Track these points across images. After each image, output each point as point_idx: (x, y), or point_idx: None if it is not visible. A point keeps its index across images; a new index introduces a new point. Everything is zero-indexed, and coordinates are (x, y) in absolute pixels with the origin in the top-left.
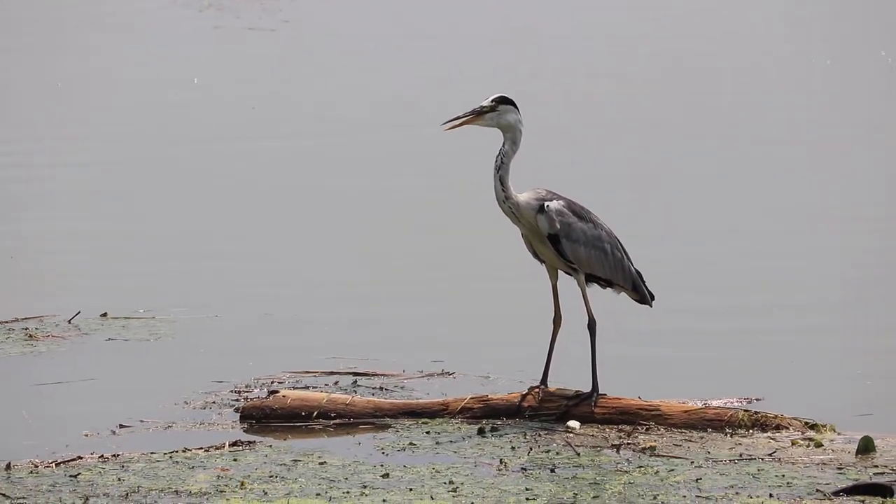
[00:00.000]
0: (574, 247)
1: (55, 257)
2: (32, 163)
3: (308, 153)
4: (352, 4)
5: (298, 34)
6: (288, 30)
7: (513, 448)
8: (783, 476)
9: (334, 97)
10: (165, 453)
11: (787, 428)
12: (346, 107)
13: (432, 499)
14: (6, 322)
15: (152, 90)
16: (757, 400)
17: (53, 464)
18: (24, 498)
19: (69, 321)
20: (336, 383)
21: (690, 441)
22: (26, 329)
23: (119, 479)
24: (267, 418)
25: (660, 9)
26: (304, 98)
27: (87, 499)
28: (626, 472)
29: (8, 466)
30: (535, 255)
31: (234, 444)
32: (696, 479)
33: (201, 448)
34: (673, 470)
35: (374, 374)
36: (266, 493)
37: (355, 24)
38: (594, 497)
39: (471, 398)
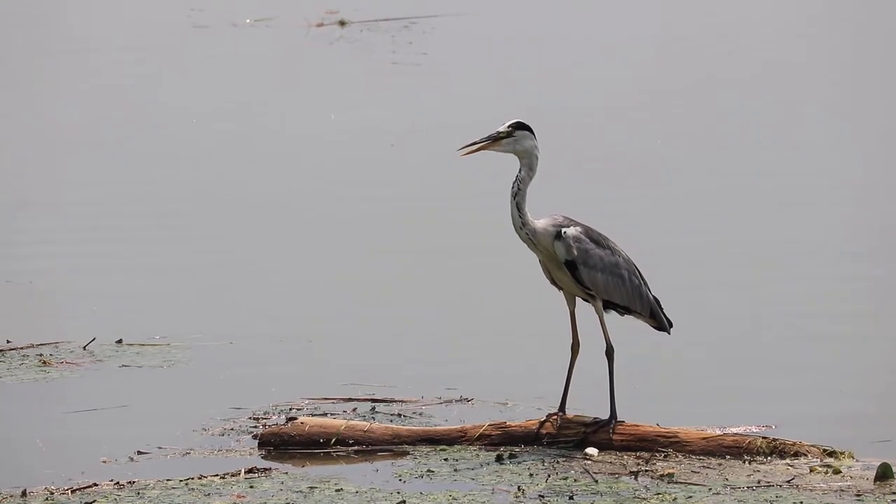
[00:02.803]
0: (591, 273)
1: (73, 283)
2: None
3: (330, 176)
4: (479, 31)
5: (441, 67)
6: (430, 63)
7: (531, 475)
8: (801, 503)
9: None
10: (181, 480)
11: (806, 455)
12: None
13: None
14: (21, 348)
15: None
16: (775, 426)
17: (69, 491)
18: None
19: (84, 347)
20: (354, 410)
21: (708, 468)
22: (40, 355)
23: None
24: (285, 445)
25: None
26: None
27: None
28: (643, 499)
29: (24, 493)
30: (553, 282)
31: (250, 470)
32: None
33: (217, 475)
34: (691, 497)
35: (392, 401)
36: None
37: (490, 53)
38: None
39: (489, 425)
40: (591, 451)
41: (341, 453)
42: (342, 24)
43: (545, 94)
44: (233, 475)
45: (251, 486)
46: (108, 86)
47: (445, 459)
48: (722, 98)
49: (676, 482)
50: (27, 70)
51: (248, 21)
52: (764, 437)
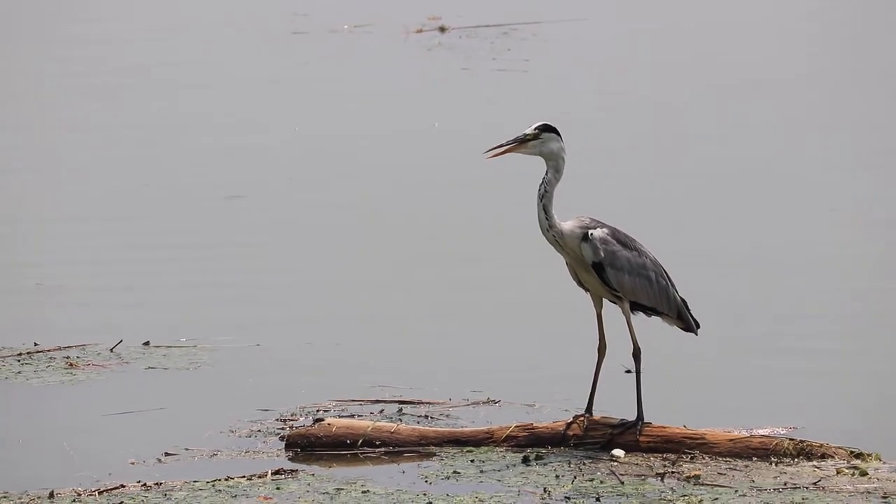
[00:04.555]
0: (618, 275)
1: (102, 285)
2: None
3: (351, 187)
4: (580, 37)
5: (548, 73)
6: (537, 69)
7: (557, 477)
8: None
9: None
10: (208, 482)
11: (833, 457)
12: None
13: None
14: (48, 350)
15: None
16: (802, 428)
17: (96, 492)
18: None
19: (111, 350)
20: (381, 411)
21: (735, 470)
22: (67, 357)
23: None
24: (312, 446)
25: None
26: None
27: None
28: (670, 500)
29: (51, 495)
30: (580, 284)
31: (276, 472)
32: None
33: (244, 476)
34: (717, 499)
35: (419, 403)
36: None
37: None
38: None
39: (516, 426)
40: (618, 452)
41: (368, 455)
42: (442, 30)
43: (648, 99)
44: (259, 477)
45: (278, 488)
46: (196, 91)
47: (472, 461)
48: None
49: (703, 484)
50: (126, 77)
51: (346, 27)
52: (791, 439)
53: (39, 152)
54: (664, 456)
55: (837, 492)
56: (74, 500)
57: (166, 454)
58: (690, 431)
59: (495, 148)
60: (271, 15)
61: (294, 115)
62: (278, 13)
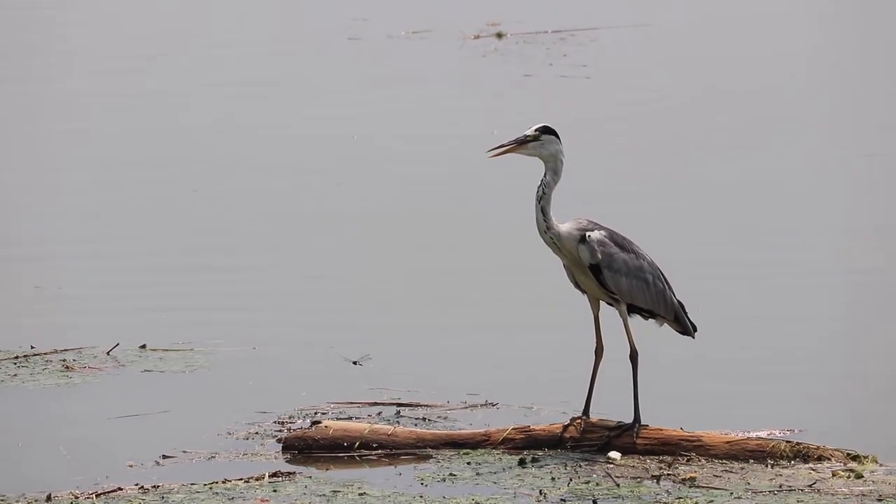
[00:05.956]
0: (616, 277)
1: (101, 289)
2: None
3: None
4: (638, 44)
5: (608, 79)
6: (598, 75)
7: (553, 479)
8: None
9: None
10: (205, 484)
11: (829, 459)
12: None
13: None
14: (45, 353)
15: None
16: (799, 431)
17: (94, 495)
18: None
19: (108, 353)
20: (379, 414)
21: (731, 472)
22: (64, 360)
23: None
24: (309, 449)
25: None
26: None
27: None
28: (665, 503)
29: (48, 498)
30: (577, 286)
31: (273, 474)
32: None
33: (241, 479)
34: (712, 501)
35: (417, 405)
36: None
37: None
38: None
39: (513, 429)
40: (615, 454)
41: (365, 457)
42: (499, 36)
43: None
44: (257, 479)
45: (275, 490)
46: (238, 98)
47: (468, 463)
48: None
49: (698, 486)
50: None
51: (403, 33)
52: (787, 442)
53: (41, 152)
54: (661, 458)
55: (833, 494)
56: (71, 503)
57: (164, 457)
58: (687, 434)
59: (497, 148)
60: (330, 20)
61: (346, 122)
62: (337, 18)
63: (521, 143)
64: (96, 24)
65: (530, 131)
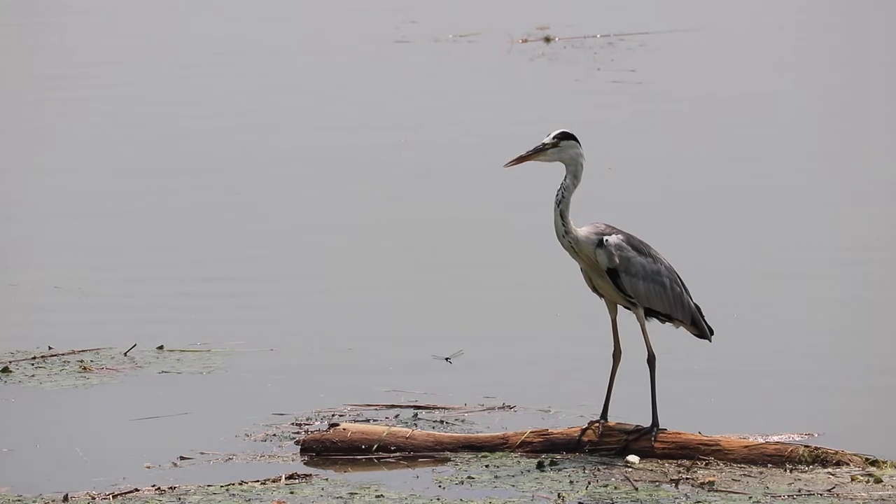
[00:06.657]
0: (633, 281)
1: (119, 290)
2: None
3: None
4: (686, 48)
5: (659, 85)
6: (649, 81)
7: (571, 482)
8: None
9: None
10: (222, 486)
11: (848, 464)
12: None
13: None
14: (63, 354)
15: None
16: (818, 435)
17: (110, 496)
18: None
19: (125, 354)
20: (397, 416)
21: (749, 476)
22: (81, 361)
23: None
24: (327, 451)
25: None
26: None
27: None
28: None
29: (65, 498)
30: (595, 290)
31: (290, 476)
32: None
33: (258, 480)
34: None
35: (435, 408)
36: None
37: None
38: None
39: (531, 432)
40: (633, 458)
41: (383, 459)
42: (547, 40)
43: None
44: (274, 481)
45: (292, 492)
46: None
47: (486, 466)
48: None
49: (717, 490)
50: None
51: (450, 36)
52: (806, 446)
53: (64, 154)
54: (679, 462)
55: (852, 499)
56: None
57: (181, 458)
58: (705, 438)
59: (515, 159)
60: (378, 23)
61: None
62: (386, 21)
63: (539, 152)
64: (148, 28)
65: (548, 139)
